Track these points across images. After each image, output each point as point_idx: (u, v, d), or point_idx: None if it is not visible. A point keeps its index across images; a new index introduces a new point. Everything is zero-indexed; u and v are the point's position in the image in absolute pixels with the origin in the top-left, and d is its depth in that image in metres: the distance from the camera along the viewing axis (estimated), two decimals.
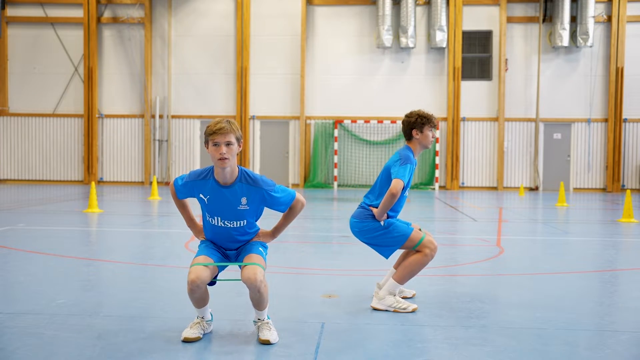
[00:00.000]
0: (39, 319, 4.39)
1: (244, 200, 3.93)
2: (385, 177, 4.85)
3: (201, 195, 3.97)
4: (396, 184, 4.67)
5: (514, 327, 4.35)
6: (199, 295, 3.93)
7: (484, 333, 4.20)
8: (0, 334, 4.04)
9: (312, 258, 7.40)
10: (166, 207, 13.93)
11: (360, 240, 4.98)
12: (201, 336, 4.00)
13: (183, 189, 4.05)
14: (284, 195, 4.01)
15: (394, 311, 4.73)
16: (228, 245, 4.11)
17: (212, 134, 3.80)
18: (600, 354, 3.80)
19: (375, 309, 4.80)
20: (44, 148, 22.53)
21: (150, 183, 21.56)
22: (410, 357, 3.71)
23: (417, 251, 4.81)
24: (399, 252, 5.22)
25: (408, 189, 4.90)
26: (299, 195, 4.12)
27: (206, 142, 3.86)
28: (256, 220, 4.13)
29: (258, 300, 3.92)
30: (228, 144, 3.80)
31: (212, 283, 4.07)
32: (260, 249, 4.07)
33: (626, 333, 4.24)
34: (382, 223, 4.82)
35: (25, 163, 22.61)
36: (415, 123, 4.90)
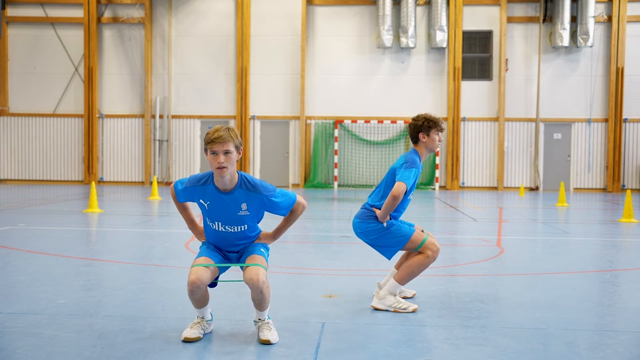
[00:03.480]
0: (39, 319, 4.39)
1: (244, 206, 3.92)
2: (391, 180, 4.84)
3: (201, 201, 3.97)
4: (399, 187, 4.66)
5: (514, 327, 4.35)
6: (199, 296, 3.93)
7: (484, 333, 4.20)
8: (1, 334, 4.04)
9: (312, 258, 7.40)
10: (166, 207, 13.93)
11: (363, 240, 4.98)
12: (201, 336, 4.00)
13: (183, 194, 4.05)
14: (284, 199, 4.00)
15: (394, 311, 4.73)
16: (229, 248, 4.12)
17: (210, 142, 3.77)
18: (600, 354, 3.79)
19: (375, 309, 4.80)
20: (44, 148, 22.53)
21: (151, 183, 21.57)
22: (411, 357, 3.71)
23: (420, 252, 4.81)
24: (400, 252, 5.23)
25: (412, 192, 4.89)
26: (300, 199, 4.10)
27: (205, 150, 3.84)
28: (257, 223, 4.13)
29: (260, 301, 3.92)
30: (226, 152, 3.77)
31: (213, 285, 4.08)
32: (262, 249, 4.07)
33: (626, 333, 4.24)
34: (384, 224, 4.82)
35: (26, 163, 22.61)
36: (422, 126, 4.90)
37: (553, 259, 7.37)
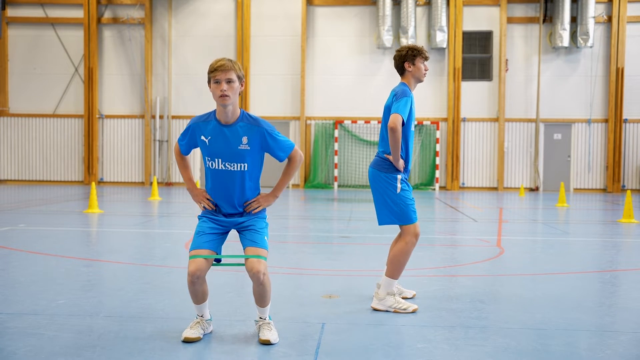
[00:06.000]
0: (39, 319, 4.39)
1: (244, 139, 3.92)
2: (388, 118, 4.80)
3: (202, 137, 3.97)
4: (394, 119, 4.62)
5: (514, 327, 4.35)
6: (199, 288, 3.92)
7: (484, 333, 4.20)
8: (1, 335, 4.04)
9: (312, 258, 7.40)
10: (166, 207, 13.93)
11: (372, 191, 4.95)
12: (201, 336, 4.00)
13: (185, 136, 4.06)
14: (283, 140, 4.01)
15: (394, 312, 4.73)
16: (228, 202, 3.99)
17: (213, 71, 3.83)
18: (600, 354, 3.80)
19: (375, 310, 4.80)
20: (44, 148, 22.54)
21: (151, 183, 21.57)
22: (411, 357, 3.71)
23: (400, 237, 4.85)
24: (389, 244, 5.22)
25: (413, 122, 4.86)
26: (298, 148, 4.11)
27: (209, 81, 3.89)
28: (257, 177, 4.05)
29: (261, 295, 3.92)
30: (229, 81, 3.83)
31: (217, 261, 4.04)
32: (265, 238, 3.99)
33: (626, 333, 4.24)
34: (398, 188, 4.76)
35: (26, 163, 22.62)
36: (407, 56, 4.90)
37: (553, 260, 7.38)
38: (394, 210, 4.81)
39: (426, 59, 4.94)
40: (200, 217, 4.10)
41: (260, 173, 4.07)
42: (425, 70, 4.95)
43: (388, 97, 4.88)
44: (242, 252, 4.03)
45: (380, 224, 4.96)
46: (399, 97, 4.73)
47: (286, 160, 4.08)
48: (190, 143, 4.08)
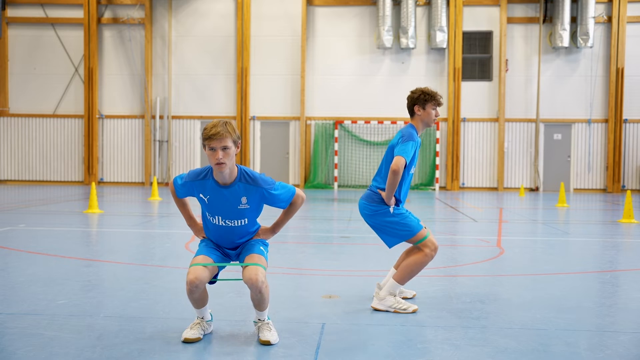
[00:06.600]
0: (40, 319, 4.39)
1: (244, 199, 3.91)
2: (390, 158, 4.79)
3: (201, 195, 3.96)
4: (397, 161, 4.61)
5: (514, 327, 4.35)
6: (197, 296, 3.93)
7: (484, 334, 4.20)
8: (1, 335, 4.04)
9: (312, 259, 7.40)
10: (166, 207, 13.93)
11: (367, 223, 4.94)
12: (201, 337, 4.00)
13: (182, 189, 4.05)
14: (283, 192, 3.98)
15: (394, 312, 4.73)
16: (229, 244, 4.10)
17: (208, 139, 3.74)
18: (600, 354, 3.80)
19: (375, 310, 4.80)
20: (44, 149, 22.54)
21: (151, 184, 21.57)
22: (411, 357, 3.71)
23: (418, 249, 4.81)
24: (400, 249, 5.23)
25: (413, 167, 4.86)
26: (299, 191, 4.08)
27: (203, 145, 3.81)
28: (257, 217, 4.11)
29: (259, 301, 3.92)
30: (225, 148, 3.75)
31: (212, 282, 4.07)
32: (261, 247, 4.05)
33: (626, 334, 4.24)
34: (391, 209, 4.77)
35: (26, 163, 22.62)
36: (418, 99, 4.87)
37: (553, 260, 7.37)
38: (395, 229, 4.80)
39: (439, 104, 4.88)
40: (202, 240, 4.17)
41: (260, 214, 4.08)
42: (436, 116, 4.90)
43: (394, 137, 4.87)
44: (240, 269, 4.05)
45: (390, 247, 4.95)
46: (405, 140, 4.71)
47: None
48: (188, 194, 4.07)
